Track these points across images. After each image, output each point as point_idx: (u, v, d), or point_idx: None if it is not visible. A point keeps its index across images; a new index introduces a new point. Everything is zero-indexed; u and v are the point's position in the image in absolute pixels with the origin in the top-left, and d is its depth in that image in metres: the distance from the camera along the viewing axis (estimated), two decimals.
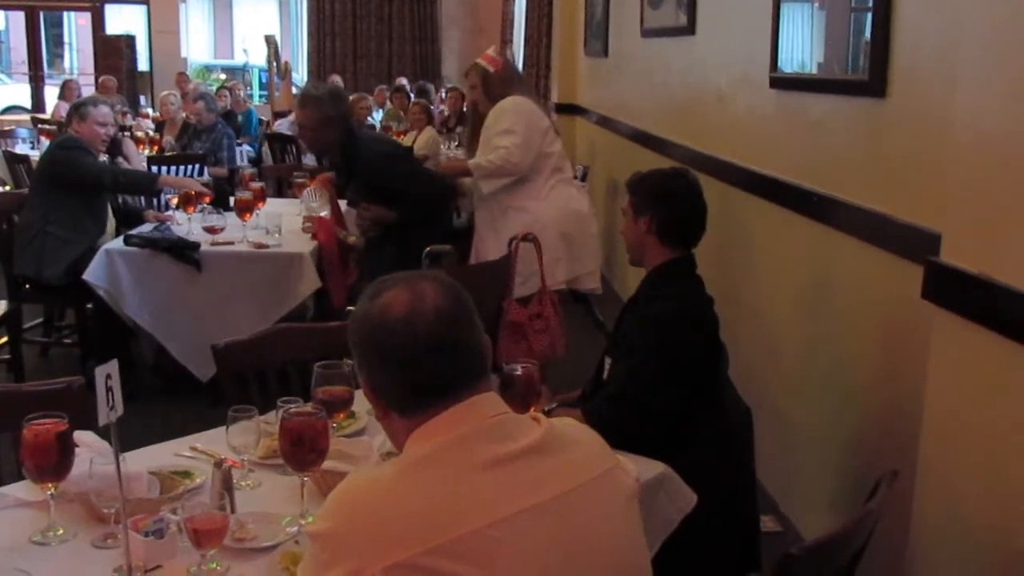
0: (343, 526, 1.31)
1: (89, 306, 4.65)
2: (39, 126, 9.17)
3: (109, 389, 1.60)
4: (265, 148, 8.69)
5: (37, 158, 5.66)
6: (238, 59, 18.73)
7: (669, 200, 2.58)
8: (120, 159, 5.51)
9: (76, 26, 19.14)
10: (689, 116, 4.93)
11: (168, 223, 4.76)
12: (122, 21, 15.20)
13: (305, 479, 1.87)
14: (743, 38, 4.05)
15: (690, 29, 4.82)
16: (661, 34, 5.44)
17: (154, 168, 5.98)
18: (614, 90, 6.98)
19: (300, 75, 13.74)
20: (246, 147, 8.79)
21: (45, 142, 6.99)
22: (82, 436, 1.91)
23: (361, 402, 2.12)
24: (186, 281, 4.37)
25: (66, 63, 19.78)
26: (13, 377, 4.51)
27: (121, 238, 4.54)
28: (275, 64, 12.18)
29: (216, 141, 7.11)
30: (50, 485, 1.80)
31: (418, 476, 1.34)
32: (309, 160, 8.02)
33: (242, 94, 9.97)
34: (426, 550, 1.25)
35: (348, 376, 2.14)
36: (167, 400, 4.38)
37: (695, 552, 2.24)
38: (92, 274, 4.36)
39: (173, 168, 6.13)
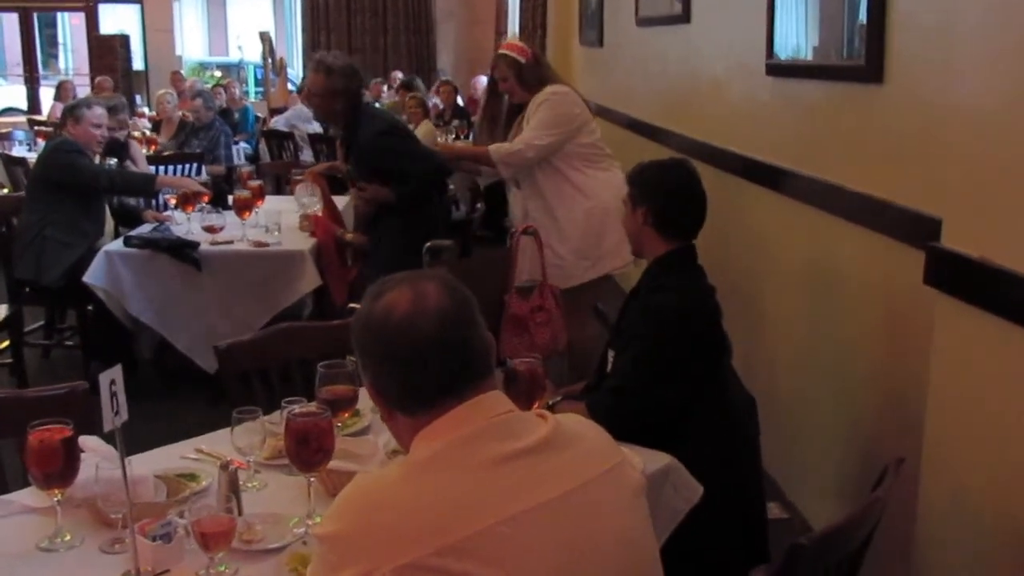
0: (351, 528, 1.31)
1: (90, 308, 4.64)
2: (35, 128, 9.14)
3: (113, 395, 1.60)
4: (262, 145, 8.67)
5: (34, 160, 5.64)
6: (233, 56, 18.71)
7: (664, 192, 2.57)
8: (128, 163, 5.48)
9: (70, 26, 19.08)
10: (686, 105, 4.92)
11: (167, 223, 4.76)
12: (116, 20, 15.15)
13: (311, 479, 1.87)
14: (738, 25, 4.04)
15: (685, 17, 4.81)
16: (656, 23, 5.43)
17: (152, 168, 5.96)
18: (610, 80, 6.96)
19: (295, 71, 13.71)
20: (243, 144, 8.78)
21: (42, 144, 6.96)
22: (87, 441, 1.91)
23: (365, 400, 2.13)
24: (187, 280, 4.38)
25: (61, 63, 19.73)
26: (16, 381, 4.50)
27: (121, 239, 4.53)
28: (270, 60, 12.15)
29: (213, 139, 7.09)
30: (56, 491, 1.79)
31: (425, 476, 1.34)
32: (307, 156, 8.02)
33: (238, 91, 9.94)
34: (435, 550, 1.25)
35: (352, 375, 2.14)
36: (171, 401, 4.38)
37: (702, 543, 2.25)
38: (92, 276, 4.37)
39: (170, 167, 6.12)
